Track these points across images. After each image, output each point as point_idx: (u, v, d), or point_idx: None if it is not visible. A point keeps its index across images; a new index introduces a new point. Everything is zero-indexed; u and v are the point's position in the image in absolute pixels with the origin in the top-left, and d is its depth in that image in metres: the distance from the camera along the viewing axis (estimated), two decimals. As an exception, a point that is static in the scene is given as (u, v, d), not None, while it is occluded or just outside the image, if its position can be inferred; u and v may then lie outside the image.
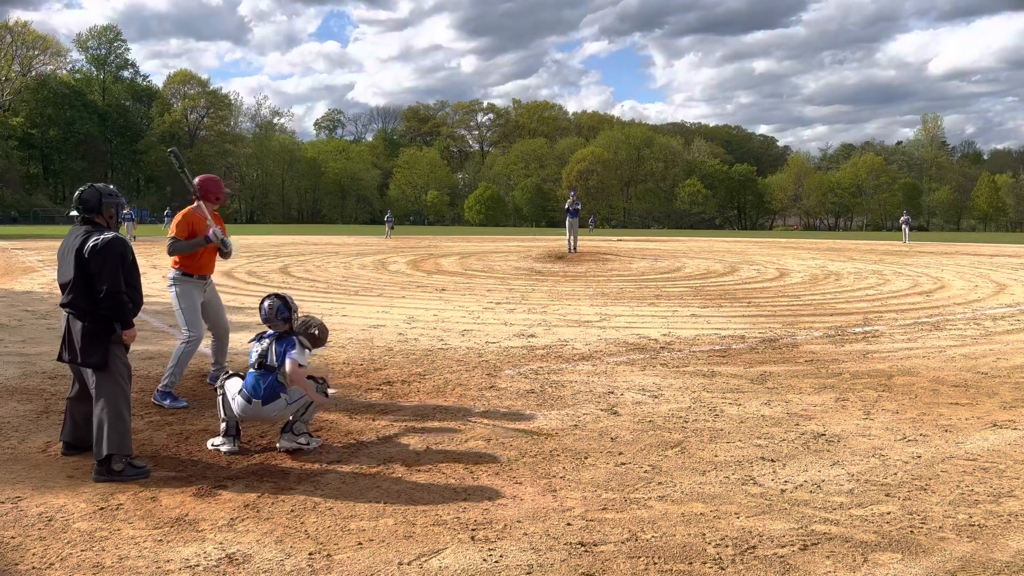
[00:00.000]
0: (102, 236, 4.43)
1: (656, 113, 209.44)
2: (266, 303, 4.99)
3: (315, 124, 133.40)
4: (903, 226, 42.11)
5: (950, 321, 10.74)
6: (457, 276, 17.44)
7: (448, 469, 4.38)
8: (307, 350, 4.96)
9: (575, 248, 24.73)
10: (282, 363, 4.79)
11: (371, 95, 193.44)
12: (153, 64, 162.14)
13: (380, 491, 4.03)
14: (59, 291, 4.60)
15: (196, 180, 6.25)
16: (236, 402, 4.75)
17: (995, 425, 5.40)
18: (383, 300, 12.70)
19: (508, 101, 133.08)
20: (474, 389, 6.36)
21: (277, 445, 4.79)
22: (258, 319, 5.13)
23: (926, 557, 3.29)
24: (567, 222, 25.07)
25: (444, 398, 6.06)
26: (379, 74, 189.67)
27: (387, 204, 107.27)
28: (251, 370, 4.84)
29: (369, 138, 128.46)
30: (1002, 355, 8.10)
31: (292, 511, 3.75)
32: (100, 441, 4.23)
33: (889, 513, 3.77)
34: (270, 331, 4.97)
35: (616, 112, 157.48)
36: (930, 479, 4.28)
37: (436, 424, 5.32)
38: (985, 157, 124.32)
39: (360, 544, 3.39)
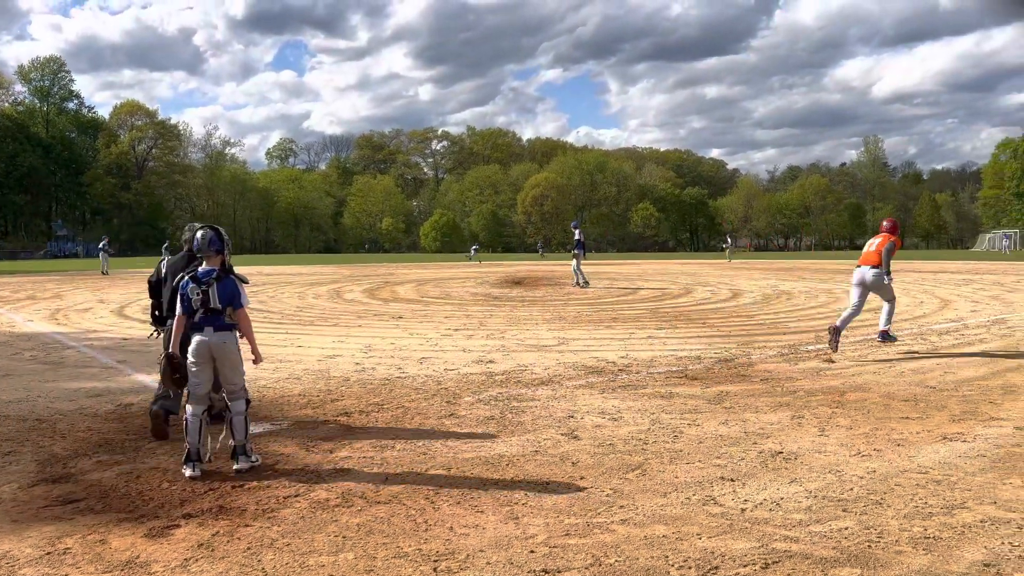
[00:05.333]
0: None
1: (611, 139, 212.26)
2: (199, 232, 4.98)
3: (267, 153, 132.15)
4: (727, 243, 48.56)
5: (898, 337, 11.00)
6: (414, 303, 17.35)
7: (409, 500, 4.32)
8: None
9: (581, 282, 21.89)
10: (228, 306, 4.89)
11: (328, 124, 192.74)
12: (105, 95, 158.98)
13: (339, 525, 3.95)
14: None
15: None
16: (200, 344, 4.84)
17: (945, 438, 5.53)
18: (339, 330, 12.56)
19: (465, 128, 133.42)
20: (433, 417, 6.30)
21: (235, 469, 4.80)
22: None
23: (884, 571, 3.34)
24: (576, 254, 22.22)
25: (403, 428, 5.99)
26: (336, 103, 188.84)
27: (341, 232, 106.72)
28: (195, 315, 4.88)
29: (322, 167, 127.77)
30: (949, 369, 8.31)
31: (248, 548, 3.65)
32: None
33: (847, 528, 3.82)
34: (201, 269, 4.95)
35: (571, 138, 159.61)
36: (885, 493, 4.35)
37: (395, 454, 5.25)
38: (925, 177, 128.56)
39: (319, 580, 3.31)
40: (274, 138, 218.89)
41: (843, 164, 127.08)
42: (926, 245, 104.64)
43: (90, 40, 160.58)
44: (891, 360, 8.92)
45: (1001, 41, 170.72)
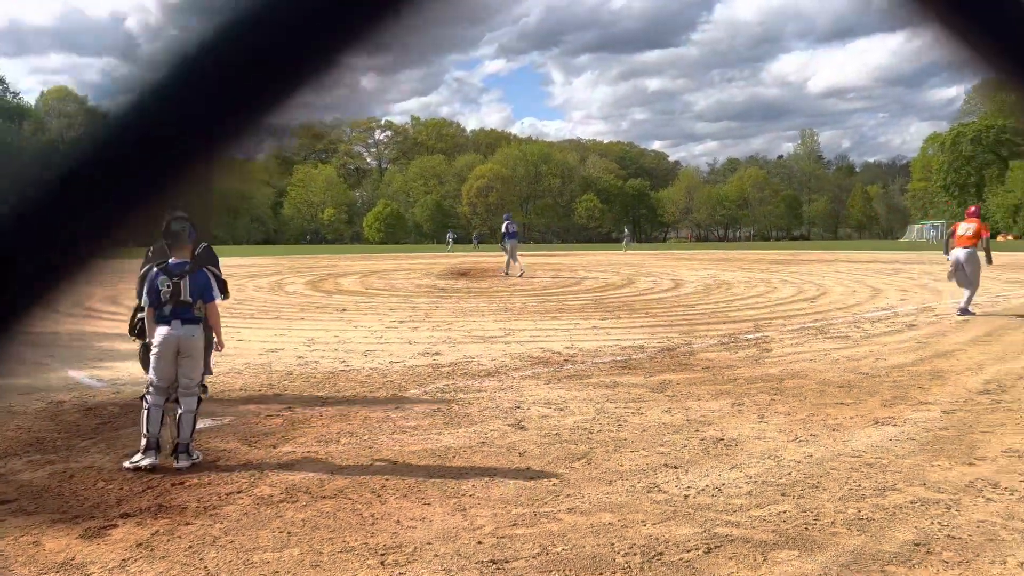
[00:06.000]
0: (203, 243, 5.81)
1: (555, 130, 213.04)
2: (174, 223, 4.84)
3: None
4: (625, 237, 53.79)
5: (833, 325, 11.36)
6: (358, 295, 17.17)
7: (355, 494, 4.29)
8: None
9: (514, 271, 22.51)
10: (198, 299, 4.82)
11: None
12: (32, 81, 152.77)
13: (284, 521, 3.90)
14: None
15: None
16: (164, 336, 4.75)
17: (877, 422, 5.73)
18: (280, 323, 12.35)
19: (409, 118, 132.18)
20: (379, 411, 6.26)
21: (177, 466, 4.72)
22: None
23: (820, 552, 3.45)
24: (509, 245, 22.85)
25: (348, 421, 5.93)
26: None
27: (281, 223, 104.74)
28: (164, 308, 4.78)
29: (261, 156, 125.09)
30: (880, 356, 8.61)
31: (190, 547, 3.58)
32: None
33: (785, 512, 3.94)
34: (172, 261, 4.85)
35: (516, 129, 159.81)
36: (821, 477, 4.49)
37: (340, 448, 5.20)
38: (858, 170, 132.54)
39: (264, 577, 3.27)
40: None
41: (780, 157, 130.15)
42: (858, 236, 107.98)
43: (15, 22, 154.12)
44: (826, 348, 9.19)
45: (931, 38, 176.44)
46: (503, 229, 23.17)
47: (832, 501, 4.09)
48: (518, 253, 23.10)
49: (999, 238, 69.99)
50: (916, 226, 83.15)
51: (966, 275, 12.21)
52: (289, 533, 3.74)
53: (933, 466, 4.67)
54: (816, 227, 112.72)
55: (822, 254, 38.91)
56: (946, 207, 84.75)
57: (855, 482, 4.39)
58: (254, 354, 9.06)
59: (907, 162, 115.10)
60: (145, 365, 5.13)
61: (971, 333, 10.25)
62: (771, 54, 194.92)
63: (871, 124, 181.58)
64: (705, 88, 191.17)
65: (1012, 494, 4.16)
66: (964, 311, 12.06)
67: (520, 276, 22.00)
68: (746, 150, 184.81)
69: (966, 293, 12.22)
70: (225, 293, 6.32)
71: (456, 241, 59.90)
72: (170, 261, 4.89)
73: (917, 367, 7.91)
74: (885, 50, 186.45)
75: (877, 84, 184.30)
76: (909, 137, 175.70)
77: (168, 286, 4.79)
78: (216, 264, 6.54)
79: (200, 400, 4.99)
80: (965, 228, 12.38)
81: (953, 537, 3.59)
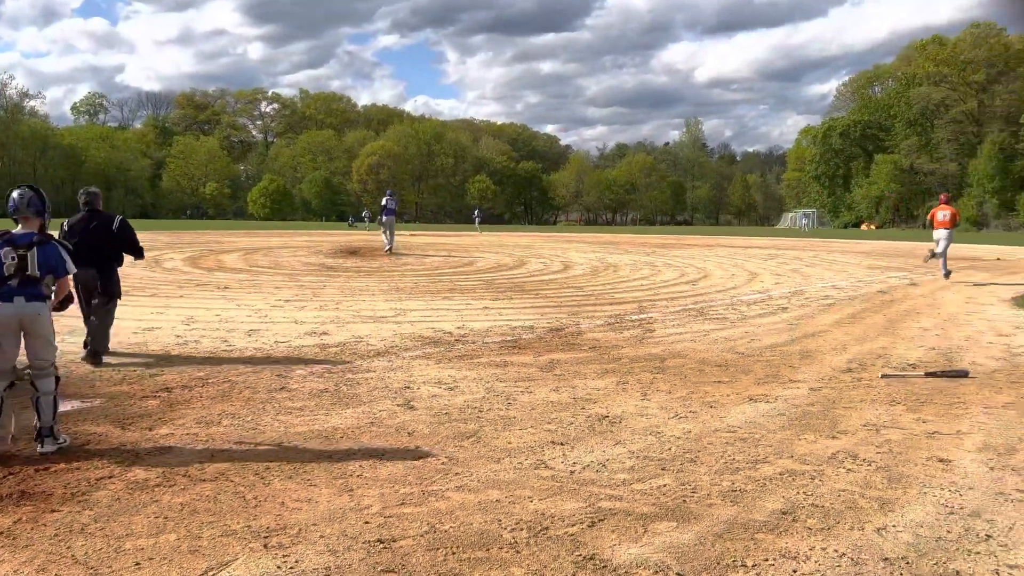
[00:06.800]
0: (118, 216, 7.50)
1: (449, 109, 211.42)
2: (16, 192, 4.55)
3: (73, 108, 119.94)
4: (476, 217, 54.80)
5: (712, 307, 11.87)
6: (241, 273, 16.57)
7: (237, 476, 4.16)
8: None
9: (388, 243, 23.36)
10: (49, 274, 4.54)
11: (144, 79, 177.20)
12: None
13: (160, 505, 3.74)
14: None
15: None
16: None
17: (751, 399, 6.04)
18: (157, 300, 11.77)
19: (297, 91, 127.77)
20: (263, 391, 6.08)
21: (40, 452, 4.44)
22: None
23: (697, 523, 3.62)
24: (384, 220, 23.54)
25: (230, 403, 5.74)
26: (154, 57, 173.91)
27: (159, 197, 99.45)
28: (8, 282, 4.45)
29: (138, 125, 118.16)
30: (755, 337, 9.07)
31: (56, 535, 3.38)
32: (102, 340, 7.20)
33: (665, 485, 4.10)
34: (17, 232, 4.54)
35: (409, 107, 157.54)
36: (699, 452, 4.70)
37: (222, 430, 5.02)
38: (738, 159, 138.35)
39: (138, 564, 3.13)
40: (82, 92, 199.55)
41: (666, 144, 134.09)
42: (738, 222, 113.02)
43: None
44: (706, 329, 9.60)
45: (807, 35, 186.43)
46: (383, 204, 23.80)
47: (708, 474, 4.29)
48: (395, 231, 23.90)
49: (863, 227, 74.89)
50: (790, 214, 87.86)
51: (943, 250, 15.91)
52: (165, 518, 3.59)
53: (800, 440, 4.97)
54: (699, 213, 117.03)
55: (704, 239, 40.49)
56: (817, 196, 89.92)
57: (730, 456, 4.62)
58: (128, 333, 8.59)
59: (783, 153, 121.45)
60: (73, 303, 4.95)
61: (836, 316, 10.94)
62: (661, 42, 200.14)
63: (752, 115, 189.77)
64: (597, 73, 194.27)
65: (870, 465, 4.48)
66: (947, 275, 16.04)
67: (389, 252, 22.76)
68: (635, 136, 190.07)
69: (941, 262, 16.15)
70: (140, 254, 7.63)
71: (371, 220, 58.71)
72: (14, 232, 4.56)
73: (788, 347, 8.39)
74: (766, 45, 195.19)
75: (758, 77, 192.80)
76: (786, 129, 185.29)
77: (13, 258, 4.45)
78: (133, 238, 7.51)
79: (58, 380, 4.69)
80: (943, 215, 15.96)
81: (817, 505, 3.84)
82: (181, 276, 15.67)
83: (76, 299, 6.62)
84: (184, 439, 4.82)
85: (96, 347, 7.07)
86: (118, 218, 7.44)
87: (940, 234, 15.92)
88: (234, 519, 3.59)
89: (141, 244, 7.65)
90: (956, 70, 78.00)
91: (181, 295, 12.49)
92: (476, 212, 58.53)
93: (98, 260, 7.18)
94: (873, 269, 20.11)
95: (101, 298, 7.26)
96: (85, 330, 7.32)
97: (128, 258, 7.66)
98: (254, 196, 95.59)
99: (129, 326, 9.09)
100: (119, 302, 7.62)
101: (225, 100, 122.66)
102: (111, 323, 7.45)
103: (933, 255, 16.25)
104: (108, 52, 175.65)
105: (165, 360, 7.23)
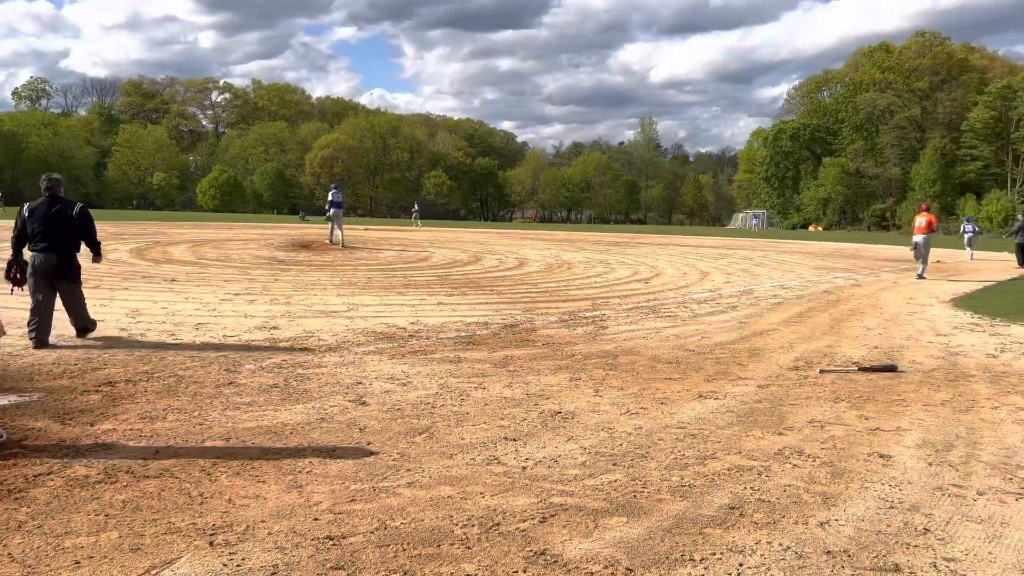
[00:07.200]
0: (79, 203, 7.67)
1: (405, 103, 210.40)
2: None
3: (13, 93, 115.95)
4: (414, 214, 54.22)
5: (664, 305, 12.01)
6: (189, 266, 16.22)
7: (182, 473, 4.07)
8: None
9: (337, 240, 23.55)
10: None
11: (91, 65, 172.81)
12: None
13: (101, 503, 3.64)
14: None
15: None
16: None
17: (701, 396, 6.13)
18: (101, 292, 11.43)
19: (249, 81, 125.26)
20: (211, 386, 5.96)
21: None
22: None
23: (647, 518, 3.65)
24: (331, 213, 23.68)
25: (176, 398, 5.61)
26: (101, 42, 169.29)
27: (104, 186, 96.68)
28: None
29: (82, 112, 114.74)
30: (705, 334, 9.21)
31: (-10, 535, 3.26)
32: (84, 319, 7.68)
33: (616, 481, 4.13)
34: None
35: (365, 100, 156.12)
36: (649, 447, 4.75)
37: (167, 426, 4.91)
38: (691, 159, 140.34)
39: (78, 563, 3.04)
40: (23, 76, 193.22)
41: (621, 143, 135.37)
42: (690, 222, 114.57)
43: None
44: (658, 326, 9.71)
45: (760, 39, 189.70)
46: (328, 198, 23.95)
47: (659, 470, 4.34)
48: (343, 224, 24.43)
49: (810, 228, 76.58)
50: (741, 214, 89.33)
51: (921, 253, 17.43)
52: (107, 516, 3.49)
53: (748, 436, 5.06)
54: (652, 212, 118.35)
55: (657, 238, 40.95)
56: (767, 197, 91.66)
57: (679, 452, 4.68)
58: (70, 325, 8.34)
59: (735, 154, 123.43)
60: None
61: (783, 315, 11.17)
62: (617, 42, 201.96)
63: (705, 117, 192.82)
64: (554, 71, 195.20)
65: (814, 460, 4.59)
66: (920, 277, 17.28)
67: (333, 243, 23.19)
68: (590, 135, 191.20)
69: (921, 266, 17.53)
70: (97, 251, 7.95)
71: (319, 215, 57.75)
72: None
73: (737, 345, 8.53)
74: (720, 48, 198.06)
75: (711, 79, 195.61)
76: (738, 131, 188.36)
77: None
78: (92, 229, 7.73)
79: None
80: (919, 221, 17.53)
81: (763, 500, 3.92)
82: (127, 268, 15.27)
83: (26, 283, 7.36)
84: (127, 435, 4.70)
85: (83, 324, 7.63)
86: (78, 205, 7.61)
87: (918, 239, 17.40)
88: (179, 516, 3.51)
89: (99, 240, 7.93)
90: (901, 77, 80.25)
91: (126, 287, 12.17)
92: (415, 207, 57.76)
93: (58, 246, 7.37)
94: (820, 270, 20.58)
95: (67, 287, 7.48)
96: (27, 319, 7.33)
97: (84, 249, 7.72)
98: (204, 187, 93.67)
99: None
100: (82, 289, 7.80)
101: (175, 89, 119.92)
102: (84, 302, 7.72)
103: (921, 257, 17.56)
104: (52, 36, 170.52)
105: (108, 354, 7.04)
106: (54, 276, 7.38)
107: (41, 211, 7.40)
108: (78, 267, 7.64)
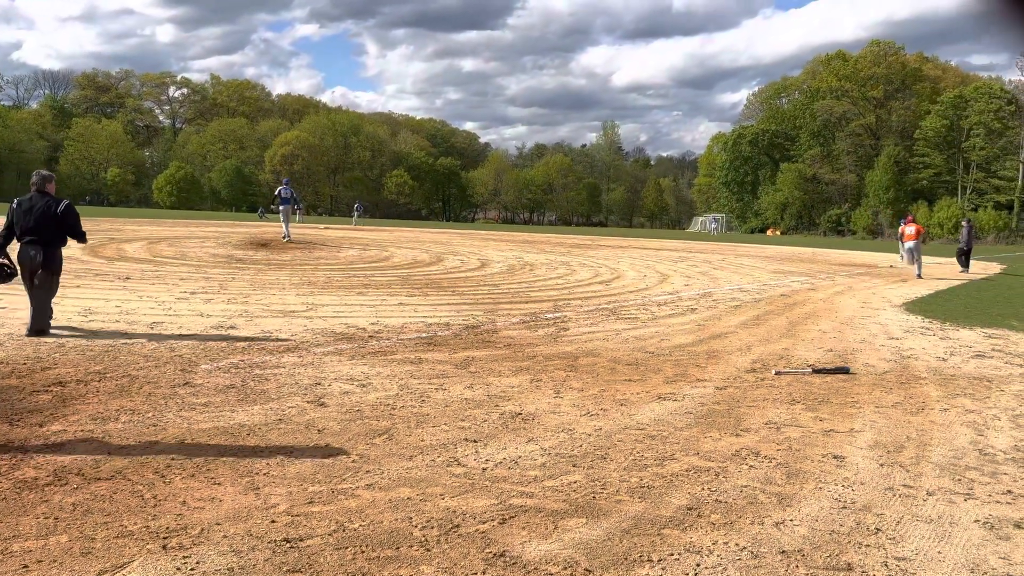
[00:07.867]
0: (65, 200, 7.92)
1: (367, 102, 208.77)
2: None
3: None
4: (355, 211, 53.45)
5: (624, 307, 12.11)
6: (144, 263, 15.89)
7: (135, 475, 3.98)
8: None
9: (289, 236, 24.12)
10: None
11: (43, 57, 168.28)
12: None
13: (51, 505, 3.55)
14: None
15: None
16: None
17: (660, 397, 6.19)
18: (53, 290, 11.15)
19: (208, 77, 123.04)
20: (165, 387, 5.85)
21: None
22: None
23: (606, 519, 3.68)
24: (280, 209, 24.41)
25: (129, 398, 5.49)
26: (55, 34, 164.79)
27: (58, 180, 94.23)
28: None
29: (34, 105, 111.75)
30: (665, 336, 9.30)
31: (-69, 540, 3.16)
32: (44, 318, 7.72)
33: (576, 482, 4.15)
34: None
35: (326, 98, 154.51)
36: (609, 449, 4.78)
37: (120, 427, 4.80)
38: (652, 163, 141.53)
39: (26, 567, 2.95)
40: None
41: (584, 145, 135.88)
42: (651, 225, 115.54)
43: None
44: (618, 328, 9.78)
45: (721, 46, 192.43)
46: (276, 193, 24.93)
47: (618, 471, 4.37)
48: (291, 221, 25.07)
49: (769, 232, 77.82)
50: (700, 218, 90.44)
51: (913, 257, 20.72)
52: (56, 519, 3.40)
53: (706, 437, 5.12)
54: (613, 215, 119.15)
55: (618, 240, 41.25)
56: (726, 201, 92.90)
57: (639, 453, 4.72)
58: (18, 324, 8.12)
59: (695, 158, 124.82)
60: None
61: (741, 317, 11.33)
62: (580, 45, 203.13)
63: (666, 121, 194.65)
64: (518, 73, 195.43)
65: (770, 462, 4.66)
66: (919, 277, 19.91)
67: (286, 240, 23.58)
68: (553, 137, 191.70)
69: (916, 268, 20.44)
70: (83, 239, 8.21)
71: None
72: None
73: (696, 347, 8.63)
74: (682, 53, 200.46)
75: (672, 83, 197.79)
76: (698, 135, 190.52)
77: None
78: (77, 224, 7.94)
79: None
80: (908, 229, 21.18)
81: (720, 501, 3.97)
82: (79, 265, 14.89)
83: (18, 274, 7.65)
84: (78, 436, 4.58)
85: (39, 325, 7.62)
86: (64, 202, 7.90)
87: (910, 245, 20.84)
88: (131, 519, 3.44)
89: (84, 230, 8.22)
90: (857, 85, 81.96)
91: (78, 285, 11.87)
92: (356, 205, 56.27)
93: (41, 241, 7.70)
94: (777, 273, 20.93)
95: (44, 274, 7.74)
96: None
97: (71, 242, 8.08)
98: (160, 184, 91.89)
99: (21, 316, 8.59)
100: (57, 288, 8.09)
101: (130, 82, 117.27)
102: (54, 294, 7.97)
103: (893, 266, 20.37)
104: (4, 27, 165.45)
105: (59, 352, 6.87)
106: (35, 271, 7.73)
107: (27, 206, 7.75)
108: (60, 260, 7.99)
